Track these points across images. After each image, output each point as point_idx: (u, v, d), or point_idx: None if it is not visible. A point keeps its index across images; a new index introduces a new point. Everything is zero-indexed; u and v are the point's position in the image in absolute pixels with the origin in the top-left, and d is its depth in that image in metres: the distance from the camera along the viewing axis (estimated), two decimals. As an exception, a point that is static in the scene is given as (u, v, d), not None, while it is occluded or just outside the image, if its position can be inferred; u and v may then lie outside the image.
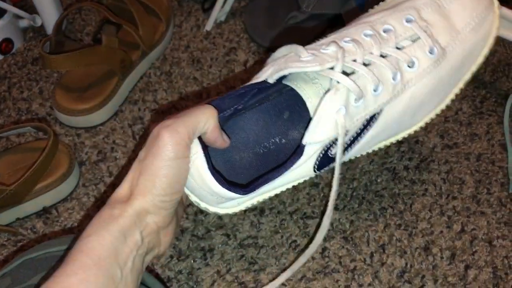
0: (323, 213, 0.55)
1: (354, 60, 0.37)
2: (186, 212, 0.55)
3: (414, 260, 0.52)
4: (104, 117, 0.65)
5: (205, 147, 0.39)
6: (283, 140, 0.44)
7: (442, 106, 0.42)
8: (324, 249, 0.53)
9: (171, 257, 0.53)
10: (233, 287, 0.50)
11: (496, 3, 0.41)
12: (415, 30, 0.38)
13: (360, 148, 0.41)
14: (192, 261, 0.52)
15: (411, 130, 0.43)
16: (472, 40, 0.40)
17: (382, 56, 0.37)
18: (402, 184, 0.57)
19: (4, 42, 0.71)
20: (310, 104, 0.40)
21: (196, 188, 0.40)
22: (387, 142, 0.44)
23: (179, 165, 0.36)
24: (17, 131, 0.59)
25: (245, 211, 0.55)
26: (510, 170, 0.58)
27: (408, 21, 0.38)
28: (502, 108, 0.63)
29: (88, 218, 0.56)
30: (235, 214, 0.55)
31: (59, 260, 0.36)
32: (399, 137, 0.43)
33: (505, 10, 0.56)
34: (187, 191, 0.42)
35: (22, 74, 0.70)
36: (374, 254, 0.52)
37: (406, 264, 0.51)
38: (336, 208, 0.55)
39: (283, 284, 0.51)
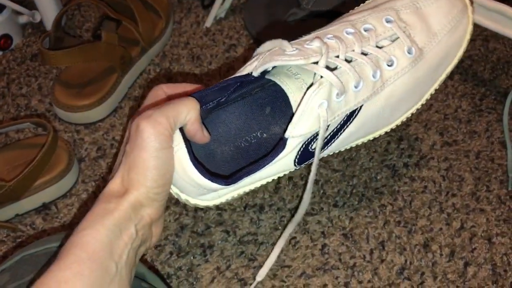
0: (322, 208, 0.55)
1: (337, 56, 0.37)
2: (186, 209, 0.55)
3: (413, 257, 0.52)
4: (104, 114, 0.64)
5: (187, 139, 0.39)
6: (265, 135, 0.44)
7: (419, 105, 0.43)
8: (323, 245, 0.53)
9: (171, 253, 0.53)
10: (233, 283, 0.51)
11: (470, 8, 0.43)
12: (395, 30, 0.39)
13: (339, 144, 0.42)
14: (191, 258, 0.52)
15: (388, 128, 0.43)
16: (448, 42, 0.41)
17: (363, 53, 0.38)
18: (402, 181, 0.57)
19: (3, 38, 0.71)
20: (293, 99, 0.40)
21: (177, 179, 0.40)
22: (366, 139, 0.44)
23: (166, 155, 0.36)
24: (16, 127, 0.59)
25: (244, 207, 0.55)
26: (509, 167, 0.58)
27: (387, 21, 0.39)
28: (501, 105, 0.63)
29: (87, 214, 0.56)
30: (233, 211, 0.55)
31: (54, 256, 0.36)
32: (377, 134, 0.44)
33: (505, 7, 0.56)
34: None
35: (21, 70, 0.70)
36: (374, 251, 0.52)
37: (406, 261, 0.52)
38: (335, 205, 0.55)
39: (282, 280, 0.51)
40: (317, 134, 0.39)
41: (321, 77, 0.37)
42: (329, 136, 0.40)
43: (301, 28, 0.72)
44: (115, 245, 0.33)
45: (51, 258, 0.36)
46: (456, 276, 0.51)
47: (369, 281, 0.50)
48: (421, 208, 0.55)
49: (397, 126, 0.46)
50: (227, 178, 0.41)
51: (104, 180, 0.59)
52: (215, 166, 0.44)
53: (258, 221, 0.54)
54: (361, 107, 0.39)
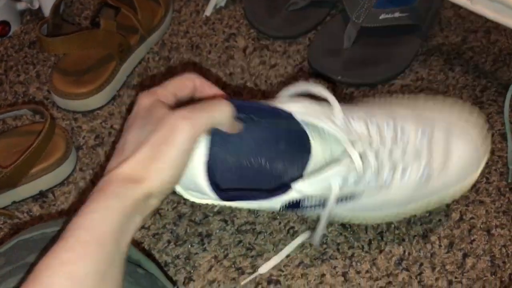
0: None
1: (372, 147, 0.40)
2: (184, 198, 0.55)
3: (412, 248, 0.52)
4: (102, 102, 0.64)
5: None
6: (268, 166, 0.45)
7: (403, 214, 0.48)
8: (322, 235, 0.52)
9: (169, 242, 0.52)
10: (230, 272, 0.50)
11: (487, 153, 0.46)
12: (423, 144, 0.41)
13: (317, 211, 0.44)
14: (189, 246, 0.52)
15: (371, 220, 0.48)
16: (451, 177, 0.45)
17: (390, 151, 0.41)
18: (401, 172, 0.57)
19: (1, 24, 0.70)
20: (313, 153, 0.43)
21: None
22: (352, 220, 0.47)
23: (189, 156, 0.36)
24: (13, 113, 0.59)
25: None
26: (509, 159, 0.57)
27: (423, 134, 0.42)
28: (502, 98, 0.63)
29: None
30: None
31: (51, 241, 0.36)
32: (361, 219, 0.48)
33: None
34: None
35: (19, 57, 0.70)
36: (372, 242, 0.52)
37: (404, 251, 0.51)
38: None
39: (280, 270, 0.50)
40: (312, 198, 0.42)
41: (351, 158, 0.39)
42: (321, 203, 0.43)
43: (301, 17, 0.71)
44: (122, 232, 0.32)
45: (48, 244, 0.36)
46: (454, 267, 0.50)
47: (367, 271, 0.50)
48: (420, 199, 0.55)
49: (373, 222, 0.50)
50: (221, 191, 0.41)
51: (102, 168, 0.59)
52: (214, 170, 0.44)
53: (256, 211, 0.54)
54: (359, 196, 0.43)
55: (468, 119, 0.47)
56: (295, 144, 0.42)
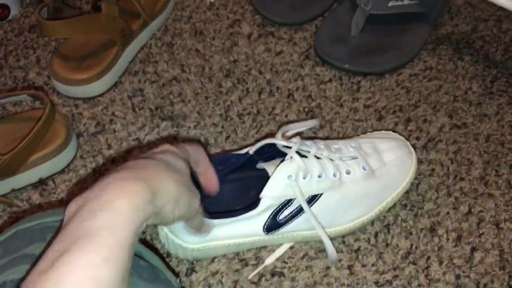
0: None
1: (309, 152, 0.48)
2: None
3: (419, 242, 0.50)
4: (103, 88, 0.63)
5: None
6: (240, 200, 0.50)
7: (367, 216, 0.50)
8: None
9: (170, 232, 0.51)
10: (234, 263, 0.49)
11: (414, 154, 0.53)
12: (355, 153, 0.50)
13: (297, 224, 0.48)
14: (191, 237, 0.51)
15: (341, 228, 0.50)
16: (395, 172, 0.51)
17: (330, 159, 0.49)
18: (409, 164, 0.55)
19: (0, 8, 0.69)
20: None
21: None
22: (320, 234, 0.48)
23: None
24: (12, 99, 0.58)
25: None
26: (519, 152, 0.56)
27: (351, 146, 0.51)
28: (513, 88, 0.62)
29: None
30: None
31: (50, 231, 0.35)
32: (332, 231, 0.50)
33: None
34: None
35: (19, 41, 0.68)
36: (379, 234, 0.51)
37: (411, 245, 0.50)
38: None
39: (284, 261, 0.49)
40: (284, 205, 0.47)
41: (291, 157, 0.47)
42: (294, 211, 0.48)
43: (308, 3, 0.70)
44: (136, 239, 0.31)
45: (56, 233, 0.34)
46: (462, 261, 0.49)
47: (373, 265, 0.49)
48: (428, 191, 0.54)
49: (345, 231, 0.50)
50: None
51: (103, 156, 0.57)
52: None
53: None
54: (321, 195, 0.48)
55: (385, 134, 0.55)
56: (261, 183, 0.47)
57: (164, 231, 0.48)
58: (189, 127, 0.60)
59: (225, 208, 0.48)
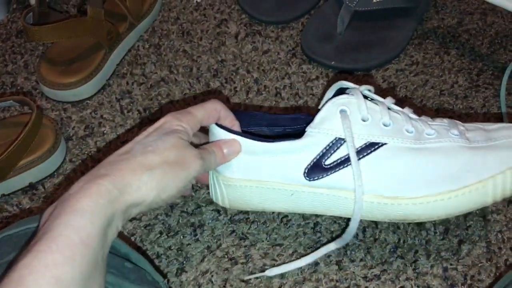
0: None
1: (380, 101, 0.41)
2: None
3: (407, 236, 0.51)
4: (91, 91, 0.63)
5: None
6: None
7: (459, 192, 0.40)
8: (316, 224, 0.52)
9: (161, 233, 0.52)
10: (224, 262, 0.50)
11: None
12: (448, 123, 0.41)
13: (345, 177, 0.41)
14: (181, 237, 0.51)
15: (400, 202, 0.42)
16: (502, 151, 0.40)
17: (408, 116, 0.40)
18: (396, 159, 0.56)
19: (-13, 13, 0.69)
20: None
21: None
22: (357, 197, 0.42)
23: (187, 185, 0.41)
24: (-1, 105, 0.58)
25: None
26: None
27: (444, 121, 0.42)
28: (499, 81, 0.62)
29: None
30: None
31: (34, 234, 0.35)
32: (389, 202, 0.42)
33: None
34: None
35: (6, 47, 0.68)
36: (367, 229, 0.51)
37: (399, 239, 0.51)
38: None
39: (273, 259, 0.50)
40: (334, 146, 0.40)
41: (353, 95, 0.40)
42: (344, 157, 0.40)
43: (294, 1, 0.70)
44: (106, 236, 0.32)
45: (31, 238, 0.35)
46: (450, 254, 0.50)
47: (361, 260, 0.50)
48: (415, 186, 0.54)
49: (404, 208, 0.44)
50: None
51: (92, 159, 0.58)
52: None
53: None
54: (384, 145, 0.39)
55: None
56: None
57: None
58: (178, 128, 0.60)
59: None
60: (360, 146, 0.40)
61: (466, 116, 0.59)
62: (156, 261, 0.50)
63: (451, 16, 0.69)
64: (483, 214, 0.52)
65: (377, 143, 0.39)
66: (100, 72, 0.63)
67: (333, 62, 0.64)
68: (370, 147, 0.39)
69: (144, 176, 0.35)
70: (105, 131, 0.60)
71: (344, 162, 0.40)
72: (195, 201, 0.53)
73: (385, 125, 0.39)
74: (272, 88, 0.63)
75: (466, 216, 0.52)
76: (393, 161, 0.39)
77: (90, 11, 0.60)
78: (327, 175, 0.41)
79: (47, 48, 0.65)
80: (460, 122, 0.43)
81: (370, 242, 0.51)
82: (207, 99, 0.45)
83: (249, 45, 0.67)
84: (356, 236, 0.51)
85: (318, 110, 0.41)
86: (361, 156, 0.40)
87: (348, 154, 0.39)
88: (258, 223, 0.52)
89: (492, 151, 0.39)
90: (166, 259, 0.50)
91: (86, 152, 0.58)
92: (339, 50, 0.64)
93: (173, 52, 0.67)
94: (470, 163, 0.39)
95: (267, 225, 0.52)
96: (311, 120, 0.41)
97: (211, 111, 0.43)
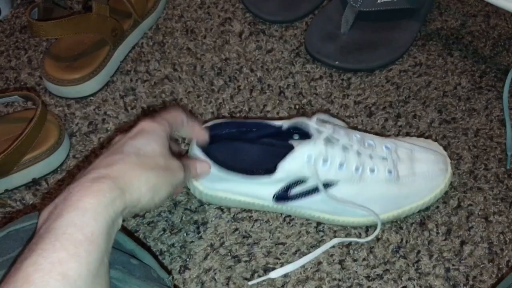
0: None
1: (338, 140, 0.48)
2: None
3: (409, 236, 0.51)
4: (95, 88, 0.63)
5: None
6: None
7: (377, 218, 0.50)
8: (318, 223, 0.52)
9: (164, 230, 0.52)
10: (226, 260, 0.50)
11: (449, 172, 0.52)
12: (387, 154, 0.50)
13: (306, 203, 0.49)
14: (185, 235, 0.51)
15: (349, 219, 0.51)
16: (421, 185, 0.50)
17: (358, 152, 0.49)
18: (399, 159, 0.56)
19: (-9, 8, 0.69)
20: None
21: None
22: (328, 217, 0.51)
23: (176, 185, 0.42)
24: (4, 100, 0.58)
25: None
26: (508, 145, 0.57)
27: (386, 147, 0.50)
28: (501, 83, 0.62)
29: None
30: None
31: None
32: (337, 219, 0.51)
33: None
34: None
35: (10, 42, 0.68)
36: (370, 229, 0.52)
37: (402, 239, 0.51)
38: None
39: (276, 257, 0.50)
40: (298, 182, 0.48)
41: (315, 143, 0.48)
42: (305, 191, 0.48)
43: (298, 1, 0.70)
44: (110, 234, 0.32)
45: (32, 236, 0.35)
46: (452, 255, 0.50)
47: (364, 259, 0.50)
48: (418, 186, 0.54)
49: (350, 223, 0.51)
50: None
51: (96, 156, 0.58)
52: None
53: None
54: (337, 183, 0.48)
55: (429, 144, 0.54)
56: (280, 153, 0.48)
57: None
58: (181, 126, 0.60)
59: (249, 166, 0.50)
60: (323, 183, 0.48)
61: (468, 118, 0.60)
62: (159, 258, 0.50)
63: (454, 18, 0.70)
64: (485, 215, 0.52)
65: (332, 182, 0.48)
66: (104, 68, 0.63)
67: (336, 62, 0.64)
68: (327, 185, 0.48)
69: (143, 177, 0.36)
70: (108, 128, 0.60)
71: (306, 194, 0.49)
72: (198, 199, 0.54)
73: (340, 166, 0.48)
74: (275, 87, 0.63)
75: (468, 217, 0.52)
76: (341, 193, 0.49)
77: (96, 7, 0.60)
78: (291, 201, 0.49)
79: (51, 44, 0.64)
80: (400, 145, 0.51)
81: (373, 242, 0.51)
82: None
83: (253, 44, 0.67)
84: (359, 235, 0.51)
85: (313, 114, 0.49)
86: (319, 191, 0.49)
87: (309, 188, 0.48)
88: (261, 222, 0.52)
89: (409, 186, 0.50)
90: (169, 256, 0.50)
91: (89, 149, 0.58)
92: (343, 50, 0.64)
93: (177, 50, 0.67)
94: (391, 197, 0.50)
95: (270, 223, 0.52)
96: (280, 129, 0.50)
97: (177, 116, 0.45)
